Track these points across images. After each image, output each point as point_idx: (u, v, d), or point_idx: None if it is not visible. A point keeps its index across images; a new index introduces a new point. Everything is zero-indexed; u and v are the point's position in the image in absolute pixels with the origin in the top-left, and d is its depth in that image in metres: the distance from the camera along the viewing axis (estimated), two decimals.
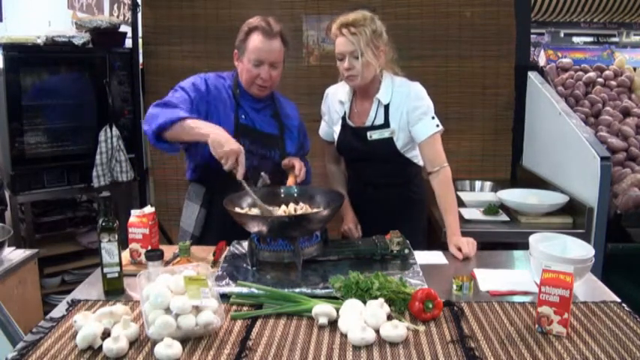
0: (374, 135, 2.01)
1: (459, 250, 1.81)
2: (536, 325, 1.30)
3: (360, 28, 1.86)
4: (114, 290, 1.51)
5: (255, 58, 1.88)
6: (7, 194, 2.97)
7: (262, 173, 1.96)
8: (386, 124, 2.00)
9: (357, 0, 2.49)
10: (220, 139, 1.69)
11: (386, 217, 2.03)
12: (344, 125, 2.09)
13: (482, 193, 3.02)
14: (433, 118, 1.98)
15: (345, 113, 2.08)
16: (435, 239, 2.26)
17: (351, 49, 1.88)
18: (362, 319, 1.29)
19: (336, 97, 2.11)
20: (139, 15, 3.38)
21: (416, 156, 2.08)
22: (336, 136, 2.12)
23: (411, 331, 1.28)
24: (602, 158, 2.29)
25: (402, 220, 1.99)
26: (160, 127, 1.75)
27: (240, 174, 1.70)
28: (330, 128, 2.16)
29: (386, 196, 2.10)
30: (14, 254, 2.09)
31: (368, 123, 2.03)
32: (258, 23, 1.89)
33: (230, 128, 1.92)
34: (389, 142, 2.00)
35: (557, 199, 2.49)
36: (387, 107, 1.99)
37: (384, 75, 2.00)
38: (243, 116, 1.97)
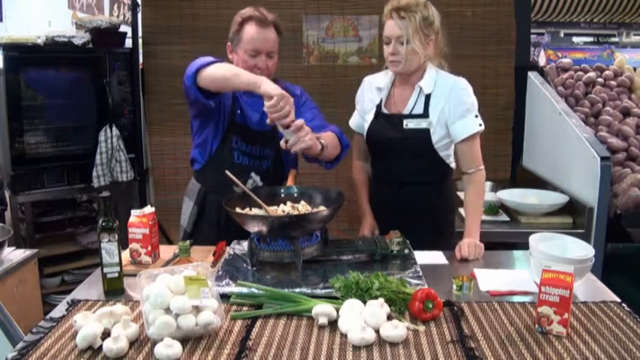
0: (410, 124, 1.92)
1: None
2: (536, 325, 1.30)
3: (411, 14, 1.79)
4: (114, 290, 1.51)
5: (252, 48, 1.85)
6: (7, 194, 2.97)
7: (252, 173, 1.95)
8: (425, 115, 1.91)
9: (356, 0, 2.50)
10: (270, 84, 1.63)
11: (411, 220, 1.90)
12: (378, 113, 2.00)
13: None
14: (477, 116, 1.90)
15: (381, 100, 2.00)
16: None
17: (397, 34, 1.82)
18: (362, 319, 1.29)
19: (373, 85, 2.04)
20: (139, 15, 3.39)
21: (449, 156, 1.99)
22: (366, 125, 2.03)
23: (411, 331, 1.28)
24: (602, 158, 2.29)
25: (430, 227, 1.93)
26: (203, 65, 1.72)
27: (290, 120, 1.62)
28: (361, 118, 2.07)
29: (413, 196, 1.98)
30: (14, 254, 2.09)
31: (406, 111, 1.94)
32: (252, 13, 1.87)
33: (224, 125, 1.92)
34: (425, 133, 1.91)
35: (557, 199, 2.49)
36: (427, 97, 1.91)
37: (429, 65, 1.93)
38: (238, 111, 1.94)
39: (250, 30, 1.86)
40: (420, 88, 1.92)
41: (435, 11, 1.86)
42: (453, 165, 2.02)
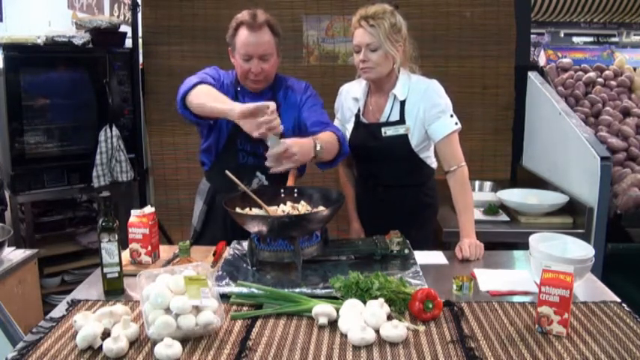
0: (388, 131, 1.98)
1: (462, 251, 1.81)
2: (536, 325, 1.30)
3: (379, 21, 1.85)
4: (114, 290, 1.51)
5: (244, 53, 1.87)
6: (7, 194, 2.97)
7: (258, 173, 1.96)
8: (401, 121, 1.97)
9: (356, 0, 2.50)
10: (241, 106, 1.62)
11: (396, 221, 1.94)
12: (357, 123, 2.06)
13: (482, 193, 3.02)
14: (452, 116, 1.95)
15: (359, 110, 2.06)
16: (435, 239, 2.25)
17: (367, 41, 1.87)
18: (362, 319, 1.29)
19: (350, 94, 2.09)
20: (139, 15, 3.39)
21: (429, 157, 2.06)
22: (348, 134, 2.08)
23: (411, 331, 1.28)
24: (602, 158, 2.29)
25: (413, 225, 1.96)
26: (186, 90, 1.79)
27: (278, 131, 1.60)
28: (342, 126, 2.12)
29: (397, 197, 2.06)
30: (14, 254, 2.09)
31: (383, 119, 2.00)
32: (243, 18, 1.87)
33: (227, 125, 1.94)
34: (403, 139, 1.98)
35: (557, 199, 2.49)
36: (402, 103, 1.97)
37: (401, 71, 1.98)
38: None
39: (242, 35, 1.87)
40: (395, 96, 1.98)
41: (401, 19, 1.92)
42: (434, 165, 2.09)
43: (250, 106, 1.60)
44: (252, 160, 1.97)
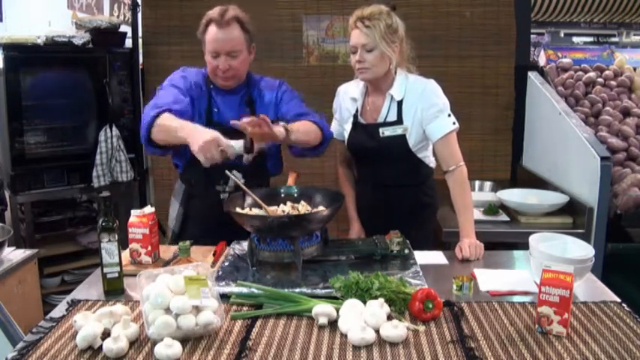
0: (386, 132, 1.98)
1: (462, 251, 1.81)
2: (536, 325, 1.30)
3: (375, 22, 1.86)
4: (114, 290, 1.51)
5: (212, 49, 1.86)
6: (7, 194, 2.97)
7: (234, 171, 1.93)
8: (399, 121, 1.97)
9: (356, 0, 2.51)
10: (194, 138, 1.63)
11: (396, 221, 1.93)
12: (355, 123, 2.06)
13: (482, 193, 3.02)
14: (449, 115, 1.95)
15: (357, 110, 2.06)
16: (435, 239, 2.25)
17: (363, 42, 1.87)
18: (362, 319, 1.29)
19: (348, 95, 2.09)
20: (139, 15, 3.39)
21: (427, 157, 2.06)
22: (346, 134, 2.09)
23: (411, 331, 1.28)
24: (602, 158, 2.29)
25: (413, 225, 1.96)
26: (146, 129, 1.76)
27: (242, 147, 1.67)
28: (340, 127, 2.13)
29: (396, 197, 2.06)
30: (14, 254, 2.09)
31: (380, 119, 2.00)
32: (213, 14, 1.87)
33: (203, 125, 1.93)
34: (401, 139, 1.97)
35: (557, 199, 2.50)
36: (400, 104, 1.97)
37: (398, 71, 1.98)
38: (215, 109, 1.94)
39: (211, 32, 1.86)
40: (392, 96, 1.98)
41: (398, 20, 1.92)
42: (432, 165, 2.09)
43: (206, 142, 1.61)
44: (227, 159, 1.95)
